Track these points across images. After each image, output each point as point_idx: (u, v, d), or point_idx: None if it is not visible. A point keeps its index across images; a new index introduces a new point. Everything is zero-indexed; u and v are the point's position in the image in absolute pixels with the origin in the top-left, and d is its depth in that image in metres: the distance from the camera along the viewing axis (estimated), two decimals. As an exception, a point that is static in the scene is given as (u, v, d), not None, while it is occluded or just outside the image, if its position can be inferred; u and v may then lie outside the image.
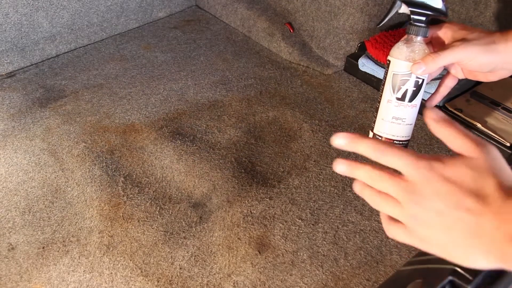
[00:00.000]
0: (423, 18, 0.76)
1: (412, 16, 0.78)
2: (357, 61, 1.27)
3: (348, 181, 1.00)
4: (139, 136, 1.11)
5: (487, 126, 1.05)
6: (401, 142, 0.83)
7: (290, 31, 1.41)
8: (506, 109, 1.08)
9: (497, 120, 1.06)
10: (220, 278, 0.82)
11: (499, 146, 1.02)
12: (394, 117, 0.82)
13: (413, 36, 0.78)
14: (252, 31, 1.48)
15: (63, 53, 1.42)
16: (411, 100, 0.81)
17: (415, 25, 0.78)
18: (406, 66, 0.77)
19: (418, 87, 0.80)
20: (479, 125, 1.05)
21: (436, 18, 0.78)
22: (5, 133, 1.12)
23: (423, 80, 0.78)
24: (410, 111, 0.82)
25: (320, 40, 1.36)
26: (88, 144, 1.09)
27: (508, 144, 1.01)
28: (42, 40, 1.37)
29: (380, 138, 0.83)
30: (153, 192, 0.98)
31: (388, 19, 0.82)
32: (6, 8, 1.26)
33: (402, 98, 0.81)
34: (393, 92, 0.81)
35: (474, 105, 1.11)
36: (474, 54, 0.63)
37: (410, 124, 0.81)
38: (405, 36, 0.78)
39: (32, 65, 1.37)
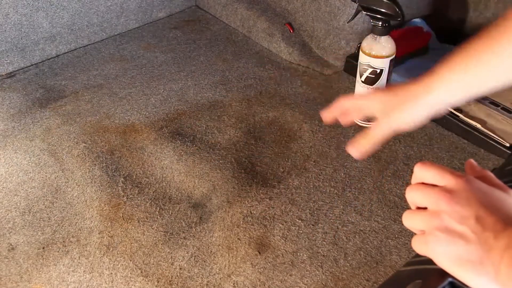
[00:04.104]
0: (379, 22, 0.97)
1: (371, 20, 0.99)
2: (357, 62, 1.27)
3: (347, 182, 1.00)
4: (139, 137, 1.11)
5: (486, 126, 1.05)
6: None
7: (290, 32, 1.41)
8: (506, 109, 1.08)
9: (496, 120, 1.06)
10: (220, 279, 0.83)
11: (499, 146, 1.02)
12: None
13: (374, 35, 1.00)
14: (252, 32, 1.48)
15: (63, 53, 1.42)
16: (371, 84, 1.06)
17: (374, 27, 0.99)
18: (366, 58, 1.03)
19: (376, 75, 1.04)
20: (478, 126, 1.05)
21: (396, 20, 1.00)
22: (5, 133, 1.12)
23: (382, 70, 1.03)
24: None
25: (320, 41, 1.36)
26: (88, 144, 1.09)
27: (507, 145, 1.01)
28: (42, 40, 1.37)
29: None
30: (153, 192, 0.98)
31: (354, 19, 1.11)
32: (6, 9, 1.26)
33: (365, 82, 1.07)
34: (360, 76, 1.07)
35: (473, 105, 1.11)
36: (387, 132, 0.58)
37: None
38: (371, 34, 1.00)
39: (32, 65, 1.37)
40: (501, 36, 0.49)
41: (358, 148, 0.58)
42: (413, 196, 0.43)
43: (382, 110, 0.57)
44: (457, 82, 0.52)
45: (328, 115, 0.65)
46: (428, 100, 0.53)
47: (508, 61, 0.49)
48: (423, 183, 0.43)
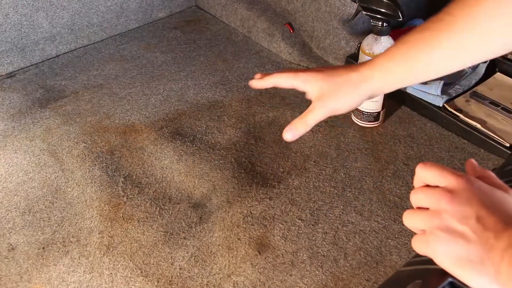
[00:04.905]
0: (379, 22, 0.99)
1: (371, 20, 1.00)
2: (357, 62, 1.27)
3: (347, 182, 1.00)
4: (139, 137, 1.11)
5: (486, 126, 1.05)
6: (370, 113, 1.10)
7: (290, 32, 1.41)
8: (506, 109, 1.09)
9: (496, 120, 1.06)
10: (220, 279, 0.83)
11: (499, 146, 1.02)
12: None
13: (374, 35, 1.01)
14: (252, 32, 1.48)
15: (63, 53, 1.42)
16: None
17: (374, 27, 1.00)
18: (366, 58, 1.03)
19: None
20: (478, 126, 1.05)
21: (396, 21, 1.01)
22: (5, 134, 1.12)
23: None
24: None
25: (320, 41, 1.36)
26: (88, 144, 1.09)
27: (507, 145, 1.01)
28: (42, 40, 1.37)
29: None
30: (153, 192, 0.98)
31: (355, 19, 1.14)
32: (6, 9, 1.26)
33: None
34: None
35: (473, 105, 1.11)
36: (334, 109, 0.60)
37: (376, 102, 1.08)
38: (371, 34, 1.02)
39: (32, 65, 1.37)
40: (441, 30, 0.50)
41: (293, 133, 0.63)
42: (416, 198, 0.43)
43: (318, 95, 0.60)
44: (395, 73, 0.54)
45: (259, 83, 0.65)
46: (366, 89, 0.56)
47: (446, 53, 0.50)
48: (425, 186, 0.43)
